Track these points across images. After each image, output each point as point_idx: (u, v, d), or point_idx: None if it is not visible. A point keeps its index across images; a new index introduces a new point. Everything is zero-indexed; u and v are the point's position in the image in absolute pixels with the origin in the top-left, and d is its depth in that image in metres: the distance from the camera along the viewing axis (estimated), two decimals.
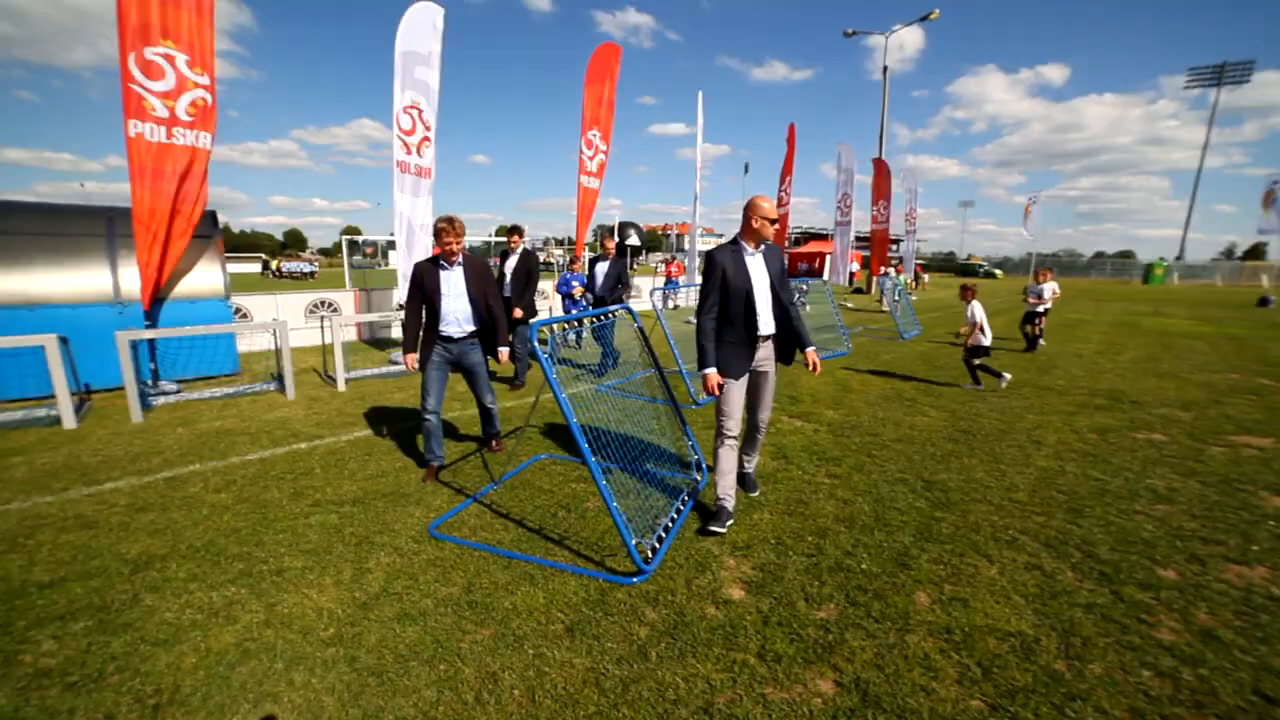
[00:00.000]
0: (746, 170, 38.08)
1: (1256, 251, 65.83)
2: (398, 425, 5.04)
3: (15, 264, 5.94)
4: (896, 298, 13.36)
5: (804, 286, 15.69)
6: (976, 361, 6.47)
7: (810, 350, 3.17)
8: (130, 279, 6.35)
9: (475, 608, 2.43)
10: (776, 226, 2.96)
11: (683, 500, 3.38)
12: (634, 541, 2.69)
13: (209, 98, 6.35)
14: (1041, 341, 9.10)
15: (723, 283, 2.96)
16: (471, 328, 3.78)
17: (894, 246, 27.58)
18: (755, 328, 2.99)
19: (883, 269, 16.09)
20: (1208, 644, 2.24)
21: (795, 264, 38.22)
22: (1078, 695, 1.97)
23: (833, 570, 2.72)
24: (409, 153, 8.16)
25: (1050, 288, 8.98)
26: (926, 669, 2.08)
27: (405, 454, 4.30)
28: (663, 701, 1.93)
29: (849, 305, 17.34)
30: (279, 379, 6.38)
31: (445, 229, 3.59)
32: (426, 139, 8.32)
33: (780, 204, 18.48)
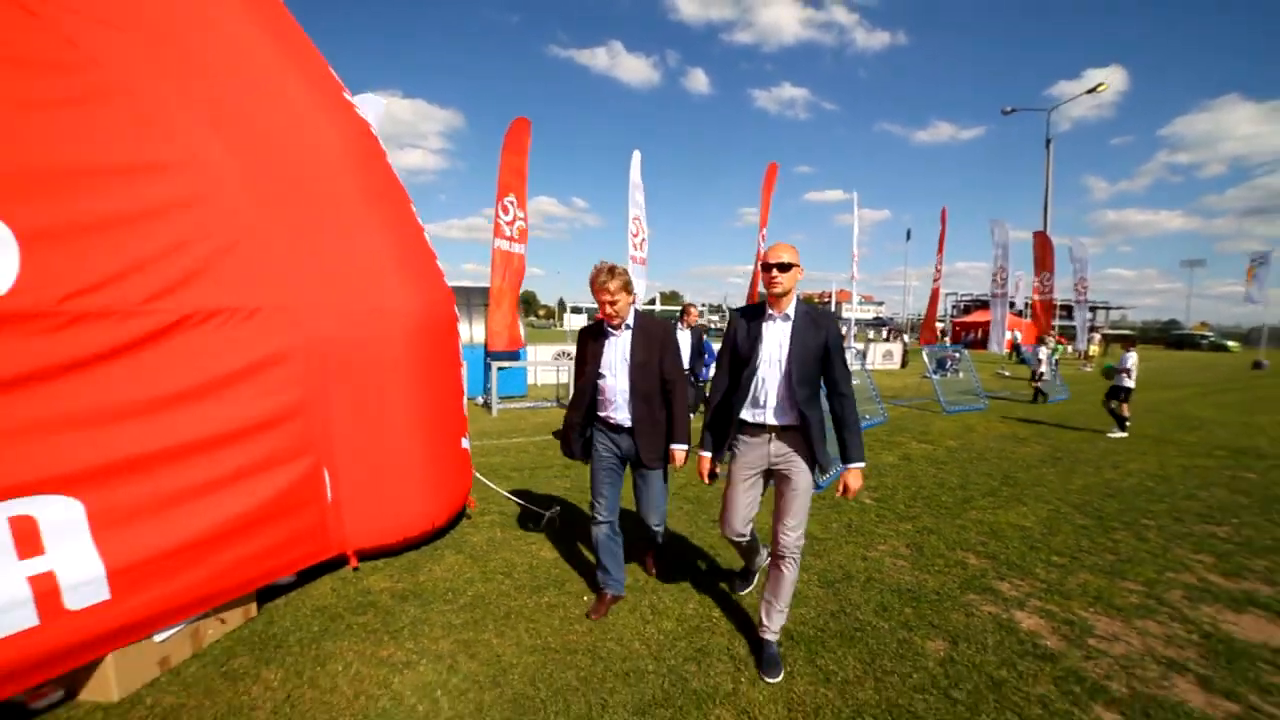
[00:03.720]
0: (909, 237, 38.49)
1: None
2: None
3: None
4: (1054, 365, 14.16)
5: (956, 355, 16.77)
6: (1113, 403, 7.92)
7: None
8: (473, 331, 10.42)
9: None
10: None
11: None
12: None
13: (524, 224, 10.40)
14: None
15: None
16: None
17: (1062, 314, 26.37)
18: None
19: (1040, 339, 16.50)
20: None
21: (959, 333, 37.31)
22: (1037, 545, 4.01)
23: (924, 500, 4.94)
24: (635, 249, 11.74)
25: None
26: (960, 528, 4.27)
27: None
28: (825, 524, 4.36)
29: (1005, 373, 17.79)
30: (559, 400, 9.85)
31: (597, 278, 2.74)
32: (644, 239, 11.87)
33: (934, 279, 19.73)
